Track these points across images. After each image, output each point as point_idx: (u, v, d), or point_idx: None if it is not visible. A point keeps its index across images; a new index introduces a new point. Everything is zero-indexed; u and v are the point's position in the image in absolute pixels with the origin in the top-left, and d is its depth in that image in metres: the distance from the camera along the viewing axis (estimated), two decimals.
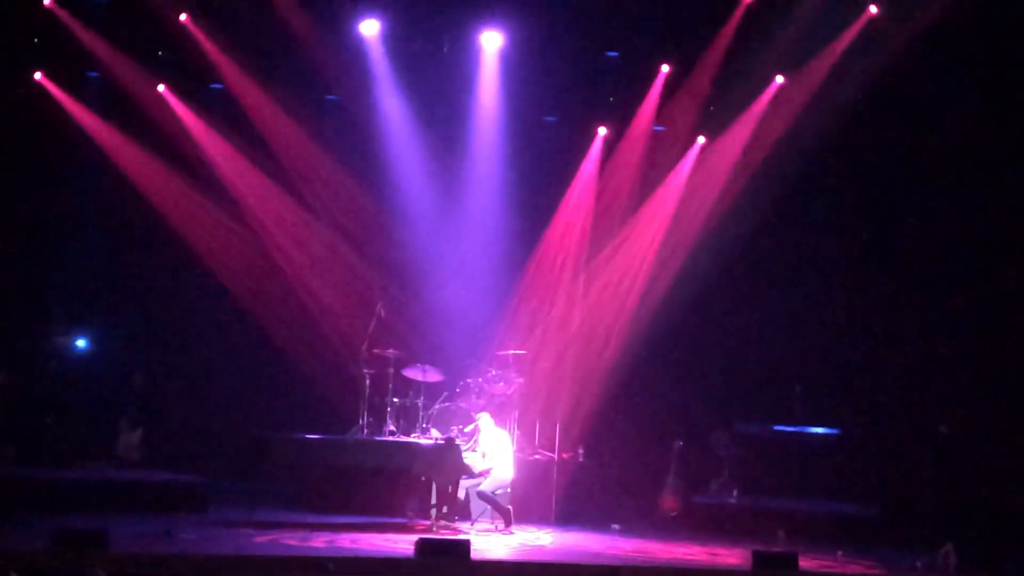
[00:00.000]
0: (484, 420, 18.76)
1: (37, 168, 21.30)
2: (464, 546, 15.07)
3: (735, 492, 20.19)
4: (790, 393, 21.40)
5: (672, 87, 21.37)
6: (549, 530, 18.68)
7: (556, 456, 19.97)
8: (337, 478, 19.53)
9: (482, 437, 18.73)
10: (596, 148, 21.67)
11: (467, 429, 19.15)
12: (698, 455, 20.55)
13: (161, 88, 21.09)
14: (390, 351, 19.48)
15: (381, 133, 21.82)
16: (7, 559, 13.67)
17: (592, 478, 20.53)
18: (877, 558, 17.27)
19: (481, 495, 18.39)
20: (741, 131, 21.02)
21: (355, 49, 21.43)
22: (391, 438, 18.93)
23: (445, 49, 21.54)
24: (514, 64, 21.54)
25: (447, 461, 18.10)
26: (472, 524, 18.45)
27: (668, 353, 21.63)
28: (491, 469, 18.39)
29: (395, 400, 19.39)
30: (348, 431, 19.28)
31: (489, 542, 17.25)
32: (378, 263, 21.91)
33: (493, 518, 18.44)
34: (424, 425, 19.26)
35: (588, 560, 16.31)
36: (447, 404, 19.77)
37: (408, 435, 19.04)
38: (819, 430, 20.92)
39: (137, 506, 18.42)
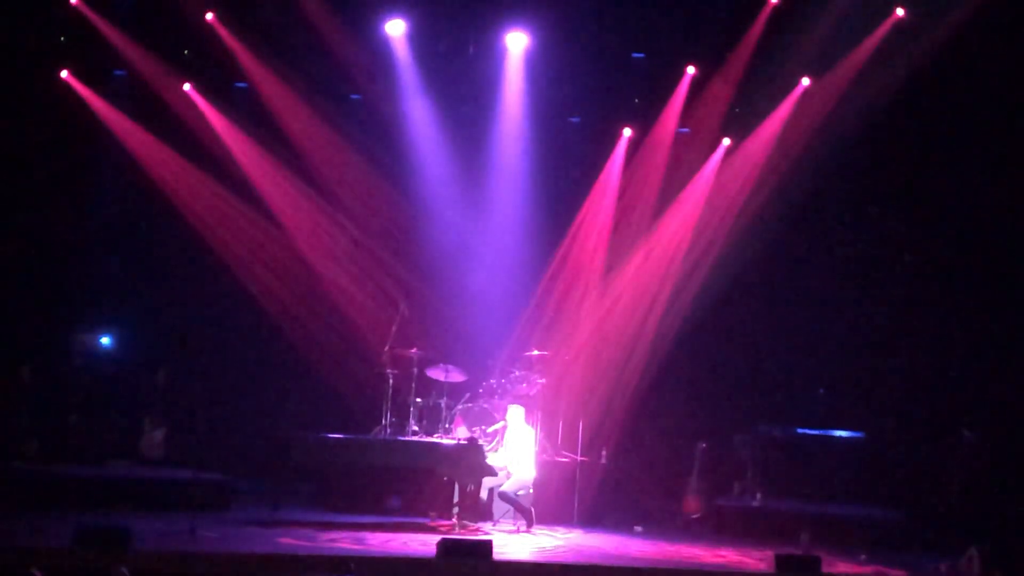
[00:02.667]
0: (514, 413, 18.72)
1: (62, 166, 21.33)
2: (486, 547, 15.08)
3: (758, 495, 20.11)
4: (814, 396, 21.37)
5: (697, 88, 21.33)
6: (571, 531, 18.66)
7: (579, 457, 19.94)
8: (360, 478, 19.54)
9: (508, 431, 18.72)
10: (621, 149, 21.64)
11: (490, 429, 19.15)
12: (721, 457, 20.49)
13: (187, 87, 21.14)
14: (413, 351, 19.50)
15: (406, 133, 21.84)
16: (30, 557, 13.72)
17: (615, 480, 20.50)
18: (901, 562, 17.23)
19: (503, 496, 18.39)
20: (767, 133, 21.00)
21: (381, 49, 21.45)
22: (414, 438, 18.92)
23: (470, 49, 21.54)
24: (539, 65, 21.53)
25: (470, 461, 18.08)
26: (494, 525, 18.44)
27: (692, 355, 21.58)
28: (510, 465, 18.40)
29: (418, 400, 19.40)
30: (371, 431, 19.28)
31: (511, 543, 17.22)
32: (402, 263, 21.91)
33: (515, 519, 18.43)
34: (447, 425, 19.25)
35: (610, 562, 16.28)
36: (470, 404, 19.77)
37: (431, 435, 19.03)
38: (843, 433, 20.86)
39: (160, 504, 18.42)
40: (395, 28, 21.33)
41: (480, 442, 18.46)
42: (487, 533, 17.65)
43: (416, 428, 19.22)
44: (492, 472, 18.25)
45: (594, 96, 21.89)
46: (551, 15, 21.10)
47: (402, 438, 18.91)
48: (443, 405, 19.41)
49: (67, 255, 21.70)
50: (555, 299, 21.66)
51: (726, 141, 21.28)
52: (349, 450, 18.55)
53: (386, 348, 19.48)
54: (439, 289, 21.81)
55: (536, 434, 19.45)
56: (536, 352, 20.41)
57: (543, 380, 20.07)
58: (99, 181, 21.96)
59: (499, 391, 19.89)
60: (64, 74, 20.83)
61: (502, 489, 18.37)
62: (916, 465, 20.23)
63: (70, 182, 21.51)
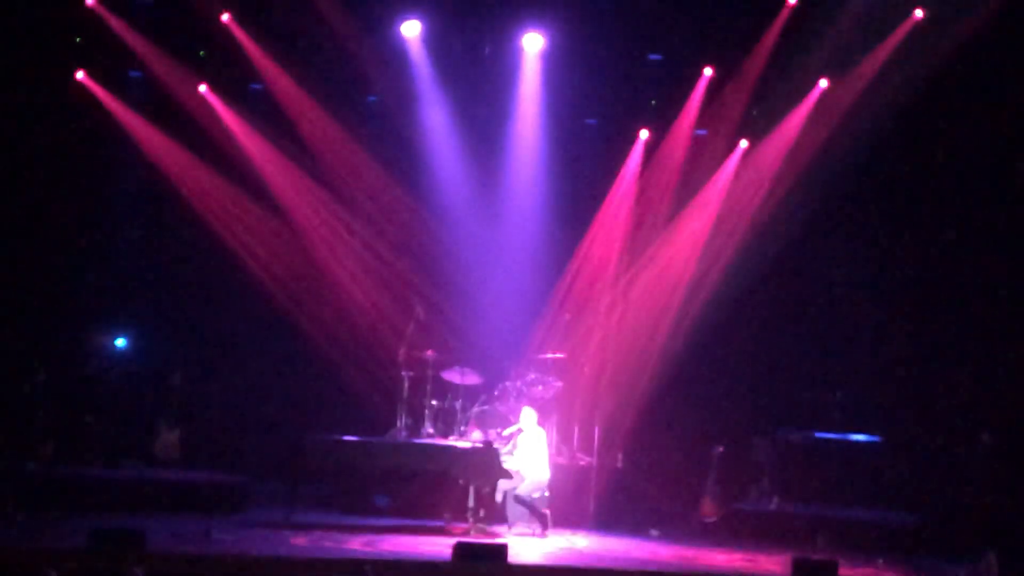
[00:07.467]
0: (527, 416, 18.68)
1: (78, 167, 21.38)
2: (501, 550, 15.02)
3: (775, 499, 20.06)
4: (831, 400, 21.31)
5: (715, 90, 21.31)
6: (586, 535, 18.64)
7: (595, 460, 19.90)
8: (375, 480, 19.53)
9: (522, 435, 18.67)
10: (637, 151, 21.63)
11: (505, 432, 19.12)
12: (738, 461, 20.43)
13: (202, 88, 21.16)
14: (429, 353, 19.49)
15: (421, 135, 21.87)
16: (46, 557, 13.71)
17: (631, 483, 20.49)
18: (918, 567, 17.25)
19: (518, 499, 18.37)
20: (784, 135, 20.96)
21: (396, 50, 21.47)
22: (429, 440, 18.91)
23: (486, 51, 21.55)
24: (556, 66, 21.54)
25: (485, 464, 18.06)
26: (509, 528, 18.41)
27: (709, 358, 21.55)
28: (523, 468, 18.37)
29: (433, 402, 19.39)
30: (386, 433, 19.27)
31: (526, 546, 17.23)
32: (417, 265, 21.93)
33: (530, 522, 18.40)
34: (462, 428, 19.23)
35: (626, 565, 16.26)
36: (485, 407, 19.74)
37: (446, 437, 19.02)
38: (860, 437, 20.80)
39: (175, 506, 18.50)
40: (411, 29, 21.34)
41: (495, 445, 18.44)
42: (502, 536, 17.64)
43: (431, 430, 19.21)
44: (507, 475, 18.24)
45: (611, 98, 21.89)
46: (567, 16, 21.10)
47: (417, 440, 18.90)
48: (458, 407, 19.40)
49: (82, 257, 21.74)
50: (572, 301, 21.64)
51: (743, 143, 21.24)
52: (364, 452, 18.57)
53: (402, 350, 19.47)
54: (455, 291, 21.81)
55: (551, 437, 19.41)
56: (552, 355, 20.40)
57: (559, 383, 20.05)
58: (115, 183, 22.01)
59: (515, 394, 19.86)
60: (80, 75, 20.87)
61: (517, 492, 18.35)
62: (934, 469, 20.13)
63: (86, 184, 21.55)
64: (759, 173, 21.07)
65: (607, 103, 21.95)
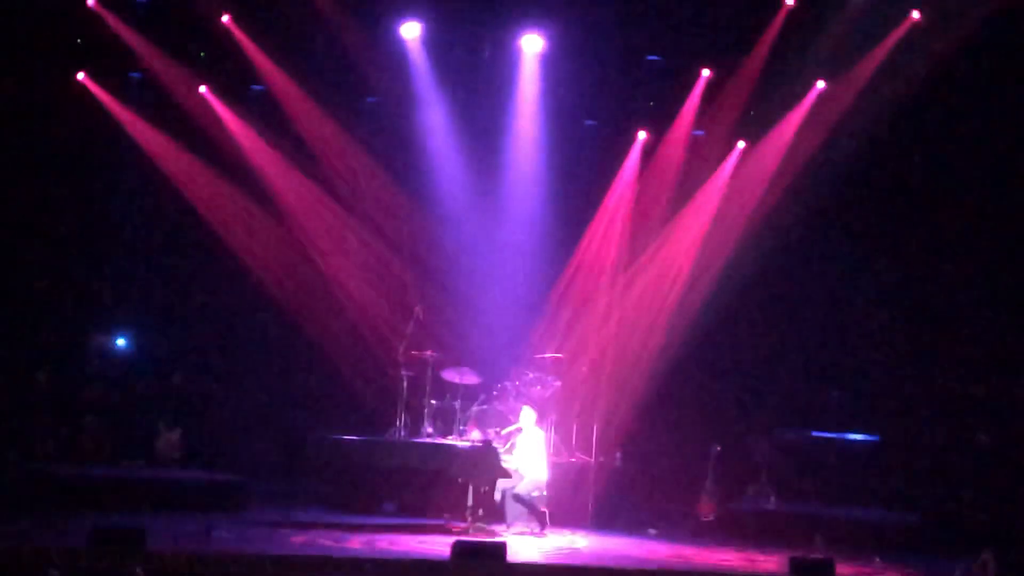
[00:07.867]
0: (526, 415, 18.71)
1: (79, 168, 21.43)
2: (500, 549, 15.09)
3: (772, 498, 20.12)
4: (828, 399, 21.37)
5: (712, 91, 21.35)
6: (585, 534, 18.67)
7: (593, 460, 19.96)
8: (374, 479, 19.59)
9: (521, 434, 18.71)
10: (636, 152, 21.67)
11: (504, 432, 19.17)
12: (736, 460, 20.49)
13: (203, 89, 21.20)
14: (428, 353, 19.52)
15: (421, 136, 21.90)
16: (47, 556, 13.77)
17: (629, 482, 20.54)
18: (915, 566, 17.25)
19: (517, 498, 18.40)
20: (782, 136, 21.00)
21: (396, 52, 21.50)
22: (428, 440, 18.96)
23: (486, 52, 21.59)
24: (555, 68, 21.57)
25: (484, 463, 18.11)
26: (508, 527, 18.45)
27: (706, 358, 21.61)
28: (521, 467, 18.42)
29: (432, 402, 19.43)
30: (386, 432, 19.33)
31: (525, 545, 17.25)
32: (417, 265, 21.97)
33: (529, 521, 18.44)
34: (462, 427, 19.29)
35: (624, 564, 16.30)
36: (484, 407, 19.78)
37: (445, 437, 19.07)
38: (857, 436, 20.88)
39: (176, 505, 18.49)
40: (410, 31, 21.38)
41: (494, 444, 18.49)
42: (501, 535, 17.68)
43: (431, 430, 19.26)
44: (506, 474, 18.27)
45: (609, 99, 21.94)
46: (566, 18, 21.13)
47: (417, 440, 18.96)
48: (457, 407, 19.44)
49: (84, 258, 21.78)
50: (570, 302, 21.68)
51: (741, 144, 21.29)
52: (364, 451, 18.63)
53: (401, 350, 19.52)
54: (454, 292, 21.85)
55: (549, 436, 19.47)
56: (551, 355, 20.45)
57: (558, 382, 20.10)
58: (115, 183, 22.04)
59: (513, 393, 19.90)
60: (81, 76, 20.91)
61: (516, 491, 18.39)
62: (931, 468, 20.21)
63: (86, 184, 21.60)
64: (756, 174, 21.11)
65: (606, 104, 22.00)
